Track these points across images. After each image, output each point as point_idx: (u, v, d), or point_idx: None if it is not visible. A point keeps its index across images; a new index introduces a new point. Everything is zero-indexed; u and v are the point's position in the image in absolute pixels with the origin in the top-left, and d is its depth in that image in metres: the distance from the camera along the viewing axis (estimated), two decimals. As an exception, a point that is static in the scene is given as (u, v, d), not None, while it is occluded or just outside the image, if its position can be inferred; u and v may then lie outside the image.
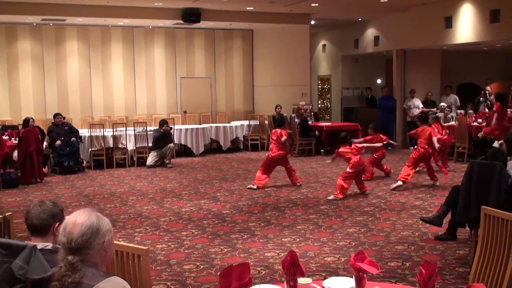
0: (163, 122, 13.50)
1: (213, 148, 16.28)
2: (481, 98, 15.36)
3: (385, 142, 11.10)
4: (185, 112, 17.09)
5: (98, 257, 2.47)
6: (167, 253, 6.36)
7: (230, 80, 17.84)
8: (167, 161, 13.29)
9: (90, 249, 2.43)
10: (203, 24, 15.88)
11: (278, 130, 10.27)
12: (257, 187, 10.19)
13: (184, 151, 15.50)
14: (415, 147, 10.70)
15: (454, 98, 15.76)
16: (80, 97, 16.02)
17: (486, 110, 14.54)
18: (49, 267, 2.64)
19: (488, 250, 3.85)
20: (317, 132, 15.10)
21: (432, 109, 15.37)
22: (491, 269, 3.79)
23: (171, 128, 13.77)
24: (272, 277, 5.50)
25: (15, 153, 11.32)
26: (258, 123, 16.32)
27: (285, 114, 15.83)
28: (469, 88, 19.11)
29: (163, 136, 13.35)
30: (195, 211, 8.49)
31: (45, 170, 11.97)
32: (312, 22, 17.40)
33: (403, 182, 9.83)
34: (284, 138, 10.12)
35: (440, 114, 14.05)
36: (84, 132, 13.53)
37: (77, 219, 2.46)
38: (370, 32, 17.80)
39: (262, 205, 8.82)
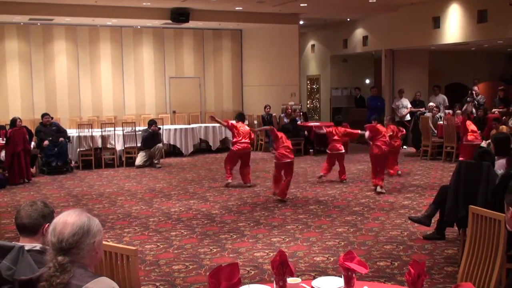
0: (152, 122, 13.46)
1: (202, 148, 16.25)
2: (468, 98, 15.46)
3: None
4: (174, 112, 17.06)
5: (88, 257, 2.46)
6: (156, 254, 6.35)
7: (219, 80, 17.82)
8: (156, 161, 13.26)
9: (80, 249, 2.42)
10: (192, 24, 15.86)
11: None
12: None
13: (173, 151, 15.45)
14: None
15: (442, 98, 15.83)
16: (68, 97, 15.93)
17: (473, 110, 14.63)
18: (37, 267, 2.63)
19: (476, 250, 3.87)
20: (306, 132, 15.12)
21: (421, 109, 15.46)
22: (479, 268, 3.81)
23: (159, 128, 13.73)
24: (262, 277, 5.50)
25: (3, 154, 11.26)
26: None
27: (274, 114, 15.88)
28: (457, 88, 19.23)
29: (151, 136, 13.31)
30: (184, 211, 8.47)
31: (33, 170, 11.90)
32: (301, 22, 17.43)
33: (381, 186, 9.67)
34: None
35: (428, 114, 14.13)
36: (72, 132, 13.45)
37: (68, 219, 2.44)
38: (359, 32, 17.86)
39: (252, 205, 8.82)
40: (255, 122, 16.11)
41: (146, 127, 13.56)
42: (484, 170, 5.41)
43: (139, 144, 13.51)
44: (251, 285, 3.07)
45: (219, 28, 17.41)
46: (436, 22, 14.71)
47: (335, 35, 19.10)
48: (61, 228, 2.41)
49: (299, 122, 15.48)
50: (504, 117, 12.97)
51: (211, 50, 17.66)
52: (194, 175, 11.97)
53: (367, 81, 20.15)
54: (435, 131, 13.68)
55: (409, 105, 15.85)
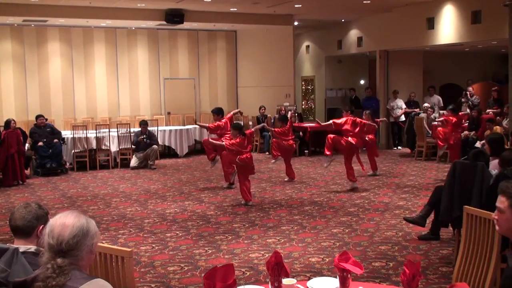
0: (143, 123, 13.44)
1: (197, 149, 16.23)
2: (463, 99, 15.50)
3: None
4: (169, 113, 17.03)
5: (85, 259, 2.45)
6: (151, 255, 6.33)
7: (214, 81, 17.80)
8: (150, 163, 13.24)
9: (80, 251, 2.41)
10: (186, 25, 15.84)
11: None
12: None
13: (168, 152, 15.44)
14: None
15: (437, 98, 15.87)
16: (62, 99, 15.87)
17: (468, 110, 14.66)
18: (32, 269, 2.62)
19: (471, 250, 3.87)
20: (301, 133, 15.12)
21: (415, 110, 15.50)
22: (474, 268, 3.82)
23: (146, 140, 13.45)
24: (257, 278, 5.50)
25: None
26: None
27: (269, 115, 15.89)
28: (451, 88, 19.27)
29: (141, 141, 13.31)
30: (179, 213, 8.46)
31: (27, 172, 11.85)
32: (296, 23, 17.44)
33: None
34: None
35: (423, 115, 14.17)
36: (66, 133, 13.42)
37: (66, 221, 2.43)
38: (353, 33, 17.88)
39: (247, 206, 8.81)
40: (250, 123, 16.10)
41: (139, 129, 13.51)
42: (479, 171, 5.43)
43: (133, 146, 13.48)
44: (246, 286, 3.07)
45: (213, 29, 17.39)
46: (430, 23, 14.74)
47: (330, 36, 19.11)
48: (60, 230, 2.40)
49: (294, 123, 15.46)
50: (498, 118, 13.01)
51: (205, 51, 17.64)
52: (189, 176, 11.95)
53: (362, 81, 20.18)
54: (430, 132, 13.70)
55: (404, 106, 15.89)
